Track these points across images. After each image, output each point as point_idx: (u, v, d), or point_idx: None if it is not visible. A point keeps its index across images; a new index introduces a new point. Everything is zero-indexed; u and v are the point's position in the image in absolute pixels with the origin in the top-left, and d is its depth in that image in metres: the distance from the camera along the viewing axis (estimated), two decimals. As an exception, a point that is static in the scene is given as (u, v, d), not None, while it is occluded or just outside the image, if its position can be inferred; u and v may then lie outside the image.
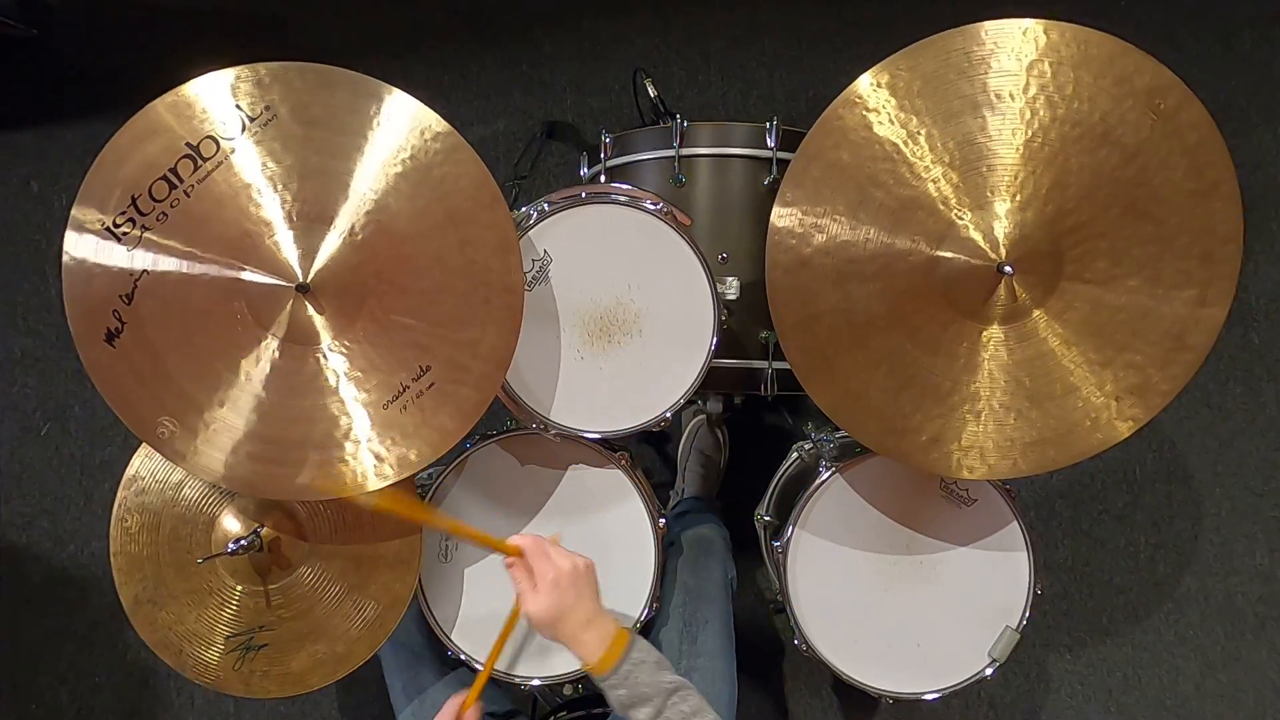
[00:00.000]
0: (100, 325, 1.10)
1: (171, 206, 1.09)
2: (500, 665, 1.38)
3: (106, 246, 1.09)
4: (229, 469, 1.14)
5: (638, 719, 1.07)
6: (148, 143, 1.09)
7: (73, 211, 1.08)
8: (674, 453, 2.03)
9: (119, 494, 1.27)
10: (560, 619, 1.11)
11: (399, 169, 1.12)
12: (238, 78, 1.09)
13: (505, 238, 1.16)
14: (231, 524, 1.27)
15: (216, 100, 1.09)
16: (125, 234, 1.09)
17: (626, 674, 1.08)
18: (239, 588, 1.27)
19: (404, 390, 1.15)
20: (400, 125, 1.12)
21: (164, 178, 1.09)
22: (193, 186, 1.09)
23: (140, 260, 1.09)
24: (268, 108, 1.10)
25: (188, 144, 1.09)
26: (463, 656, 1.37)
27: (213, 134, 1.09)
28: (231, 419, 1.13)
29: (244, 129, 1.10)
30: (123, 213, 1.08)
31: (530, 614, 1.12)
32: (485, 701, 1.22)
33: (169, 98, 1.09)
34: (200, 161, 1.09)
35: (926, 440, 1.23)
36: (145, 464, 1.27)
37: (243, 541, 1.21)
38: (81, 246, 1.09)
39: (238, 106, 1.09)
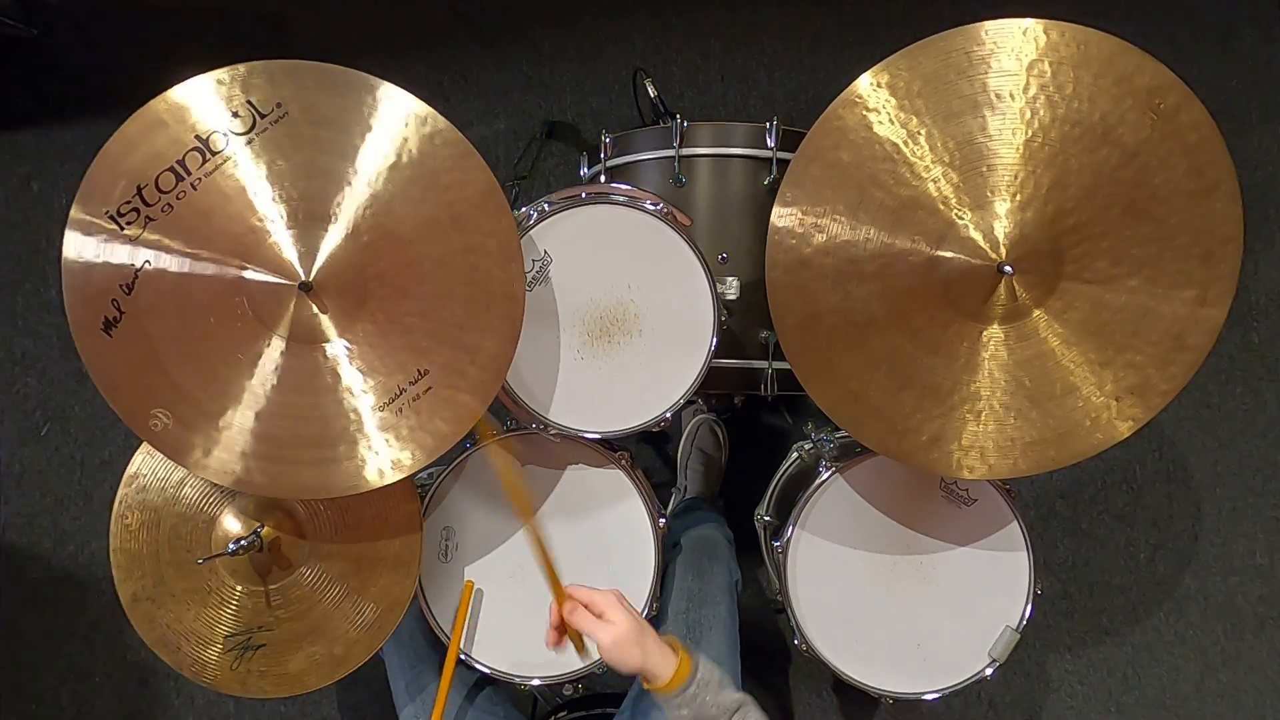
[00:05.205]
0: (98, 314, 1.09)
1: (177, 199, 1.08)
2: (500, 664, 1.38)
3: (109, 235, 1.08)
4: (223, 464, 1.14)
5: None
6: (156, 134, 1.08)
7: (76, 200, 1.07)
8: (674, 453, 2.03)
9: (120, 491, 1.27)
10: (643, 636, 1.09)
11: (406, 173, 1.12)
12: (250, 73, 1.08)
13: (509, 246, 1.15)
14: (232, 524, 1.27)
15: (228, 95, 1.08)
16: (129, 224, 1.08)
17: (693, 695, 1.08)
18: (238, 587, 1.27)
19: (401, 393, 1.15)
20: (409, 129, 1.11)
21: (171, 169, 1.08)
22: (199, 180, 1.09)
23: (143, 251, 1.09)
24: (279, 104, 1.09)
25: (197, 137, 1.08)
26: (463, 656, 1.37)
27: (222, 128, 1.08)
28: (227, 414, 1.13)
29: (254, 125, 1.09)
30: (127, 202, 1.08)
31: (616, 636, 1.08)
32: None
33: (179, 90, 1.08)
34: (208, 155, 1.09)
35: (926, 440, 1.23)
36: (147, 461, 1.27)
37: (243, 541, 1.21)
38: (83, 235, 1.08)
39: (249, 102, 1.08)
